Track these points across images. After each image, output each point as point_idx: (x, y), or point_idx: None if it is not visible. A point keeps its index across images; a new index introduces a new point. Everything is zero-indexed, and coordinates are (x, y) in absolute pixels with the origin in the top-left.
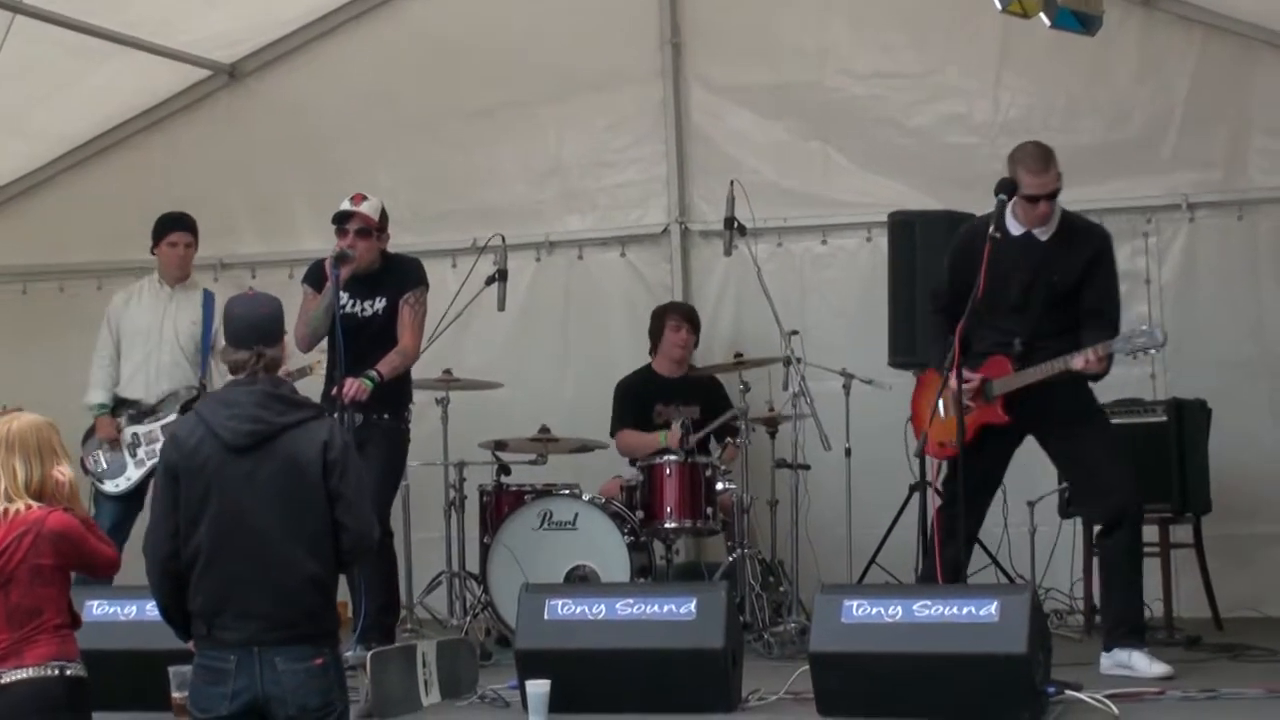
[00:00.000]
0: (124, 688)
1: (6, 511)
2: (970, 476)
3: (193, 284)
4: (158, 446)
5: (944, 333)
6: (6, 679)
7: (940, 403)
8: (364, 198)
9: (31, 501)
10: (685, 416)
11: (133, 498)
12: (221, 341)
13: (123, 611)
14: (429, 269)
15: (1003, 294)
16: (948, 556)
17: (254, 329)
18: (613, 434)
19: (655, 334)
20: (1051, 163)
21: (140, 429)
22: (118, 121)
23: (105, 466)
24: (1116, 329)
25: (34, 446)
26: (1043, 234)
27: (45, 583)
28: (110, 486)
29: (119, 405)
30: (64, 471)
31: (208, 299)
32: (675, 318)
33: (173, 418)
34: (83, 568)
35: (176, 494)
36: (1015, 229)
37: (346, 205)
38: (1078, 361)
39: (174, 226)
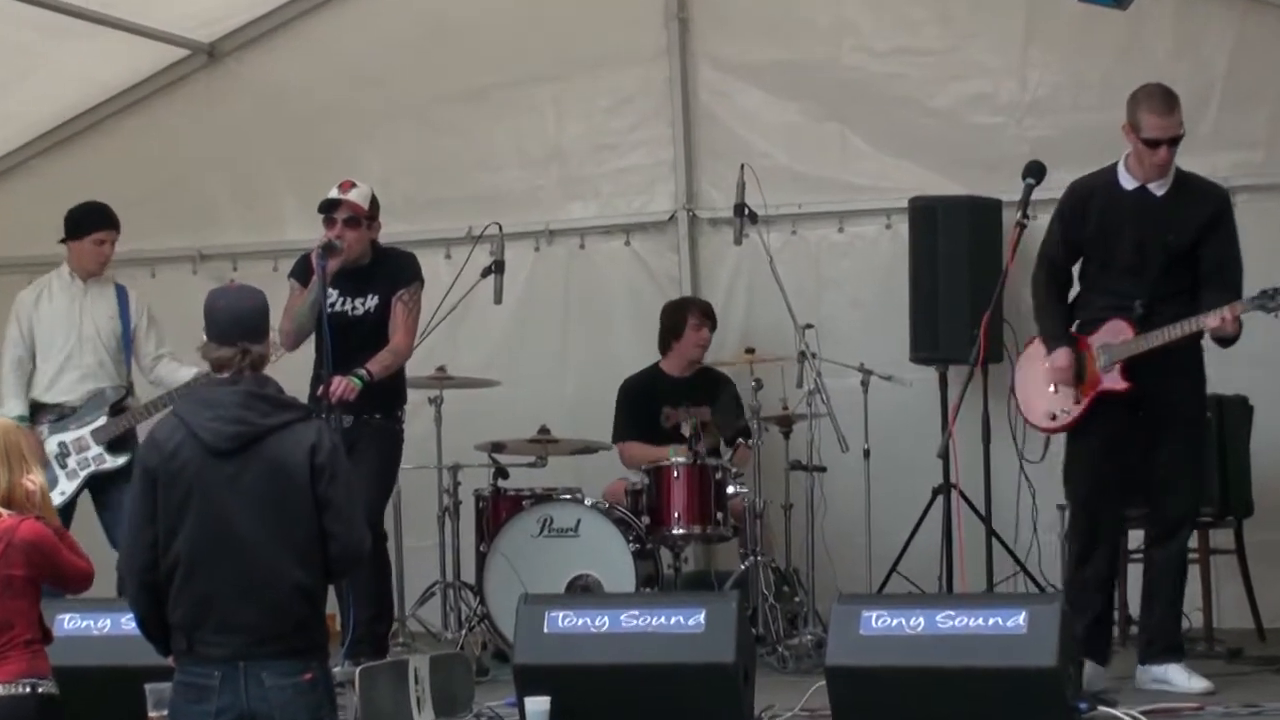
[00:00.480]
0: (98, 706)
1: None
2: (1089, 459)
3: (106, 278)
4: (90, 454)
5: (1053, 300)
6: None
7: (1048, 372)
8: (352, 185)
9: (2, 510)
10: (695, 418)
11: (68, 513)
12: (151, 342)
13: (96, 625)
14: (421, 260)
15: (1116, 254)
16: (1089, 574)
17: (239, 324)
18: (615, 440)
19: (672, 332)
20: (1176, 106)
21: (66, 436)
22: (90, 105)
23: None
24: (1239, 293)
25: (2, 451)
26: (1159, 188)
27: (16, 595)
28: None
29: (37, 411)
30: (34, 479)
31: (121, 293)
32: (697, 315)
33: (102, 420)
34: (55, 580)
35: (154, 501)
36: (1128, 183)
37: (334, 193)
38: (1212, 320)
39: (103, 223)
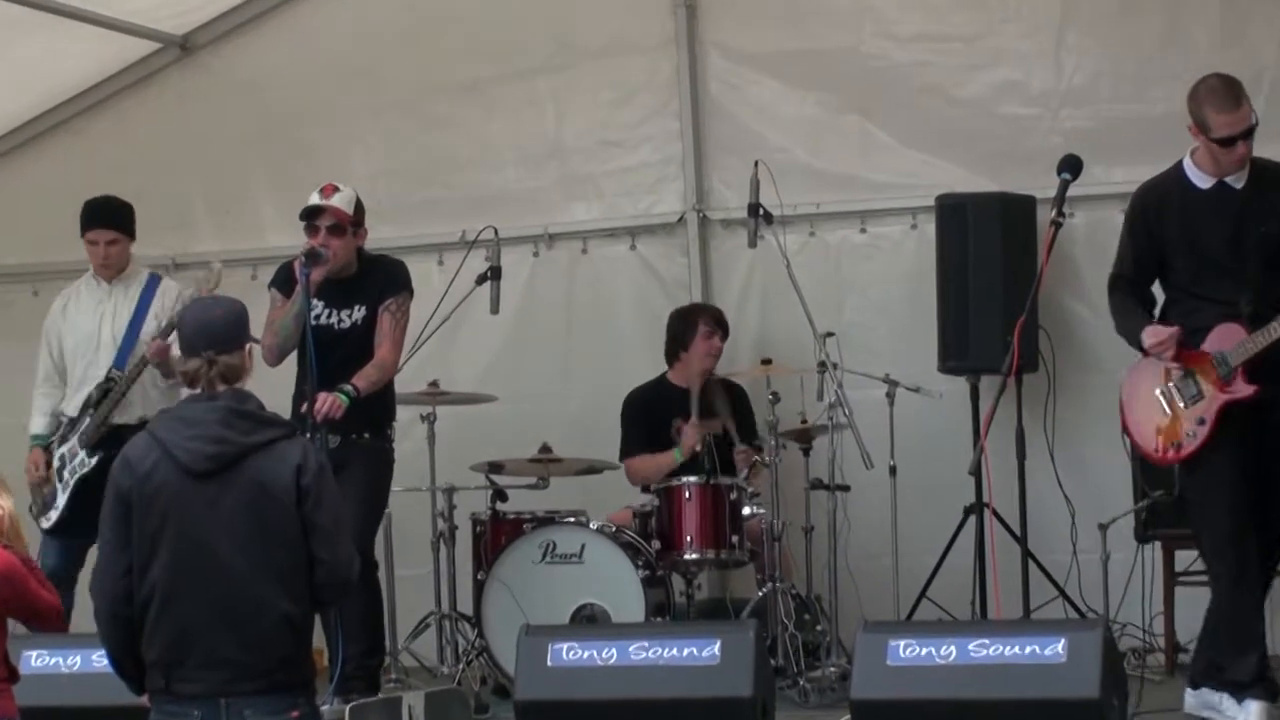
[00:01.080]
0: None
1: None
2: (1222, 487)
3: (132, 276)
4: (77, 461)
5: (1133, 308)
6: None
7: (1163, 394)
8: (335, 189)
9: None
10: (708, 434)
11: (68, 536)
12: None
13: (65, 662)
14: (411, 266)
15: (1206, 256)
16: (1248, 604)
17: (204, 333)
18: (622, 458)
19: (680, 340)
20: (1242, 96)
21: (65, 448)
22: (53, 104)
23: (41, 501)
24: None
25: None
26: (1237, 181)
27: None
28: (44, 522)
29: (64, 426)
30: (5, 502)
31: (150, 282)
32: (708, 322)
33: (86, 422)
34: (27, 615)
35: (129, 526)
36: (1202, 181)
37: (315, 199)
38: None
39: (93, 222)
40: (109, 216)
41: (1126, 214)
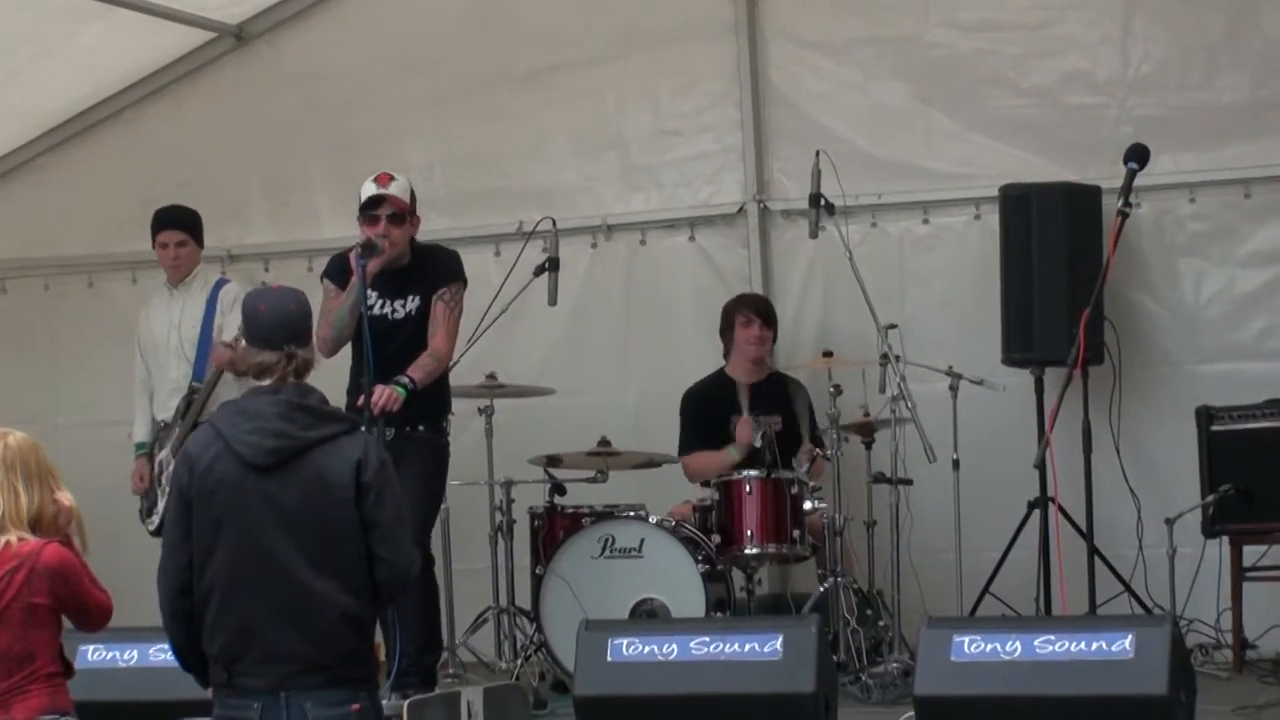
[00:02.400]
0: None
1: (8, 543)
2: None
3: (197, 280)
4: (170, 471)
5: None
6: None
7: None
8: (391, 177)
9: (26, 534)
10: (767, 427)
11: None
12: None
13: (123, 657)
14: (468, 258)
15: None
16: None
17: (285, 326)
18: (681, 454)
19: (726, 333)
20: None
21: (163, 456)
22: (107, 94)
23: (145, 504)
24: None
25: (34, 467)
26: None
27: (39, 625)
28: (148, 525)
29: (159, 430)
30: (66, 496)
31: (215, 289)
32: (745, 311)
33: (177, 432)
34: (76, 612)
35: (189, 520)
36: None
37: (373, 188)
38: None
39: (163, 224)
40: (177, 218)
41: None
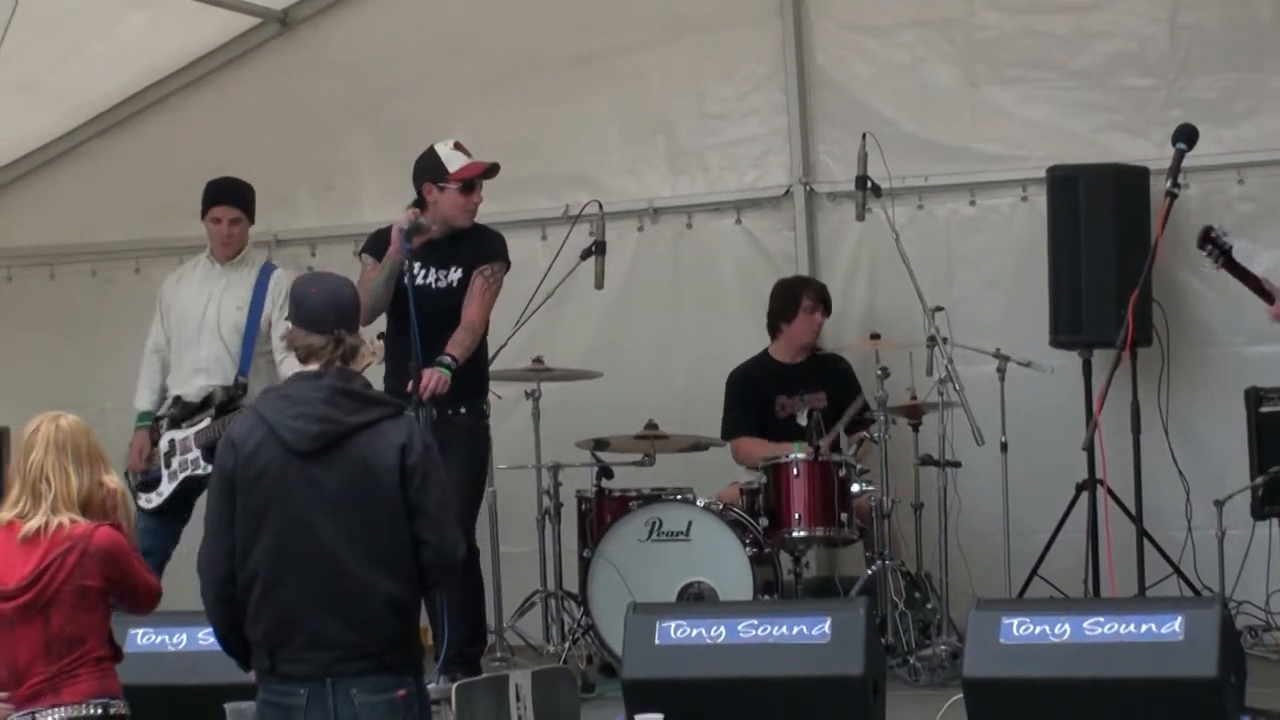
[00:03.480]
0: None
1: (48, 525)
2: None
3: (247, 259)
4: (190, 457)
5: None
6: (42, 719)
7: None
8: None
9: (77, 516)
10: (812, 406)
11: (167, 517)
12: (281, 325)
13: (171, 641)
14: (515, 241)
15: None
16: None
17: (335, 310)
18: (726, 437)
19: (783, 315)
20: None
21: (177, 435)
22: (152, 80)
23: (141, 478)
24: None
25: (84, 450)
26: None
27: (90, 608)
28: (143, 501)
29: (170, 404)
30: (113, 480)
31: (263, 274)
32: (812, 298)
33: (206, 423)
34: (125, 595)
35: (233, 505)
36: None
37: (464, 158)
38: None
39: (219, 198)
40: (235, 194)
41: None
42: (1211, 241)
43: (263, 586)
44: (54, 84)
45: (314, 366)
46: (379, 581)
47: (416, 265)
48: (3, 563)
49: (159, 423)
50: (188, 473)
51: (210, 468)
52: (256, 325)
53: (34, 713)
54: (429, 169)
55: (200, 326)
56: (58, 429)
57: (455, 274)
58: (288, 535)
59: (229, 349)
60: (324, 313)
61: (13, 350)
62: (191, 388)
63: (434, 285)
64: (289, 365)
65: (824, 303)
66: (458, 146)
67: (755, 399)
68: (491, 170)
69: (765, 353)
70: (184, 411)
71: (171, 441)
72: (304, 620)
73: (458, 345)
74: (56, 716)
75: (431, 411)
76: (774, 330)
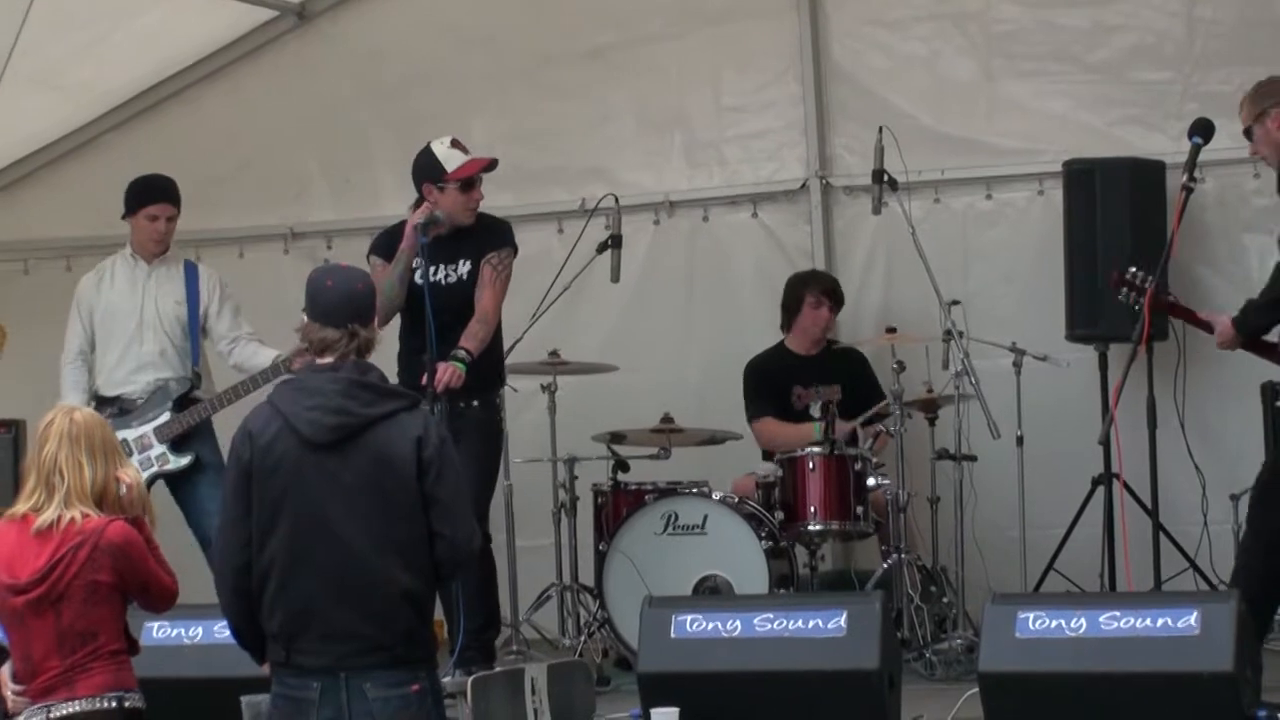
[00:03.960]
0: None
1: (60, 519)
2: None
3: (171, 258)
4: (153, 454)
5: None
6: (56, 713)
7: None
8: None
9: (91, 510)
10: (826, 398)
11: None
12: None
13: (187, 634)
14: (531, 234)
15: None
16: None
17: (350, 303)
18: (751, 420)
19: (791, 308)
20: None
21: (129, 434)
22: (169, 73)
23: None
24: None
25: (98, 443)
26: None
27: (101, 602)
28: None
29: (98, 405)
30: (129, 474)
31: (190, 273)
32: (815, 293)
33: (165, 417)
34: (137, 591)
35: (249, 497)
36: None
37: (462, 156)
38: None
39: (155, 196)
40: (171, 192)
41: None
42: (1131, 285)
43: (278, 578)
44: (71, 77)
45: (329, 359)
46: (394, 573)
47: (423, 261)
48: (15, 556)
49: None
50: (154, 469)
51: (181, 460)
52: (197, 318)
53: (48, 706)
54: (427, 169)
55: (141, 323)
56: (71, 422)
57: (464, 267)
58: (304, 527)
59: (174, 342)
60: (339, 306)
61: (29, 343)
62: (136, 385)
63: (443, 281)
64: (240, 354)
65: (830, 296)
66: (455, 144)
67: (773, 388)
68: (490, 165)
69: (781, 344)
70: (128, 411)
71: (124, 441)
72: (319, 612)
73: (472, 338)
74: (70, 710)
75: (446, 405)
76: (786, 323)
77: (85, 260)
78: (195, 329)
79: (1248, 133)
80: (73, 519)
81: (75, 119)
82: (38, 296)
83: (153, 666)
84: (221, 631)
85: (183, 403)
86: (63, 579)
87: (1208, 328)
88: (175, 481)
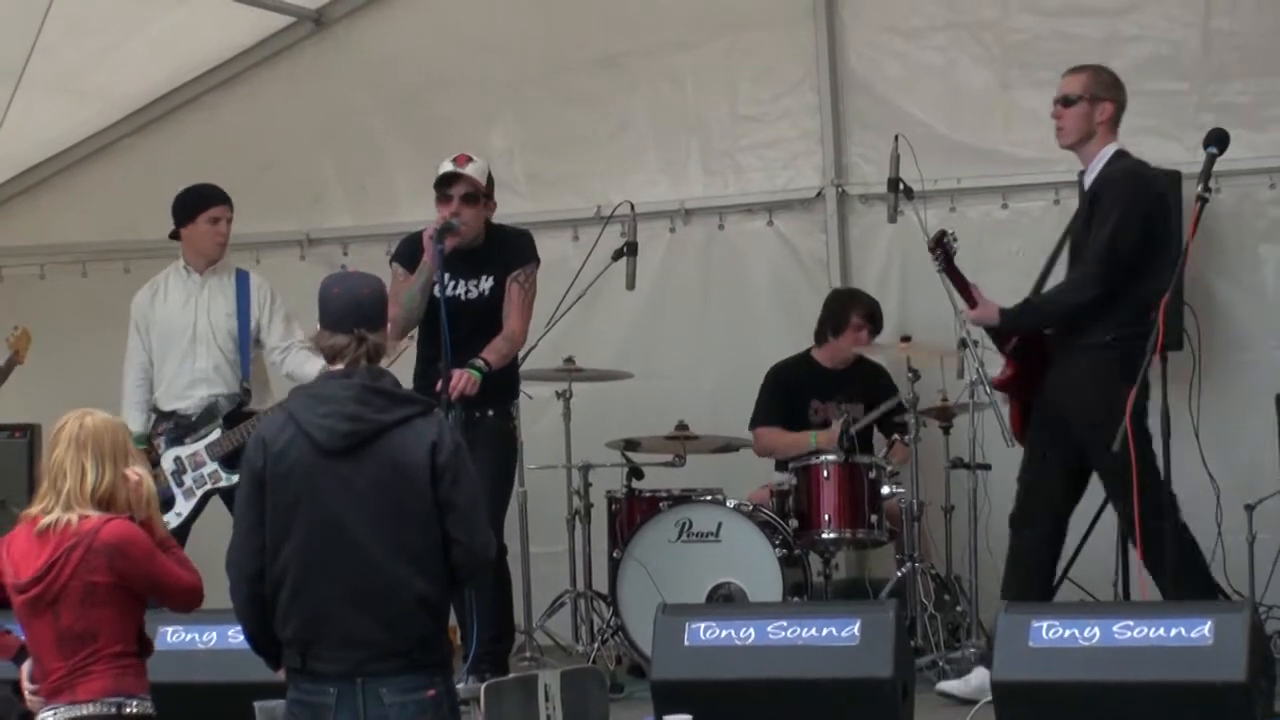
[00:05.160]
0: None
1: (57, 523)
2: None
3: (223, 267)
4: (206, 471)
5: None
6: (59, 717)
7: None
8: (469, 159)
9: (91, 511)
10: (848, 414)
11: (184, 534)
12: (278, 330)
13: (201, 639)
14: (547, 241)
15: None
16: None
17: (356, 310)
18: (752, 427)
19: (833, 324)
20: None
21: (183, 452)
22: (187, 78)
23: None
24: None
25: (107, 447)
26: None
27: (100, 604)
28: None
29: (157, 421)
30: (137, 471)
31: (241, 280)
32: (861, 316)
33: (216, 434)
34: (149, 589)
35: (264, 504)
36: None
37: (449, 167)
38: None
39: (213, 199)
40: (226, 195)
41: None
42: (942, 246)
43: (293, 585)
44: (88, 82)
45: (339, 366)
46: (409, 579)
47: (445, 275)
48: (21, 558)
49: (153, 442)
50: (207, 487)
51: (233, 477)
52: (248, 330)
53: (55, 709)
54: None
55: (194, 338)
56: (81, 426)
57: (487, 283)
58: (318, 533)
59: (227, 357)
60: (345, 313)
61: (45, 347)
62: (191, 400)
63: (464, 296)
64: (291, 363)
65: (873, 321)
66: (457, 158)
67: (790, 398)
68: (448, 180)
69: (808, 354)
70: (183, 427)
71: (178, 459)
72: (335, 618)
73: (494, 352)
74: (69, 715)
75: (460, 412)
76: (821, 337)
77: (101, 266)
78: (246, 342)
79: (1069, 100)
80: (69, 521)
81: (92, 124)
82: (53, 301)
83: (166, 672)
84: (235, 637)
85: (233, 419)
86: (57, 580)
87: (971, 301)
88: (229, 497)
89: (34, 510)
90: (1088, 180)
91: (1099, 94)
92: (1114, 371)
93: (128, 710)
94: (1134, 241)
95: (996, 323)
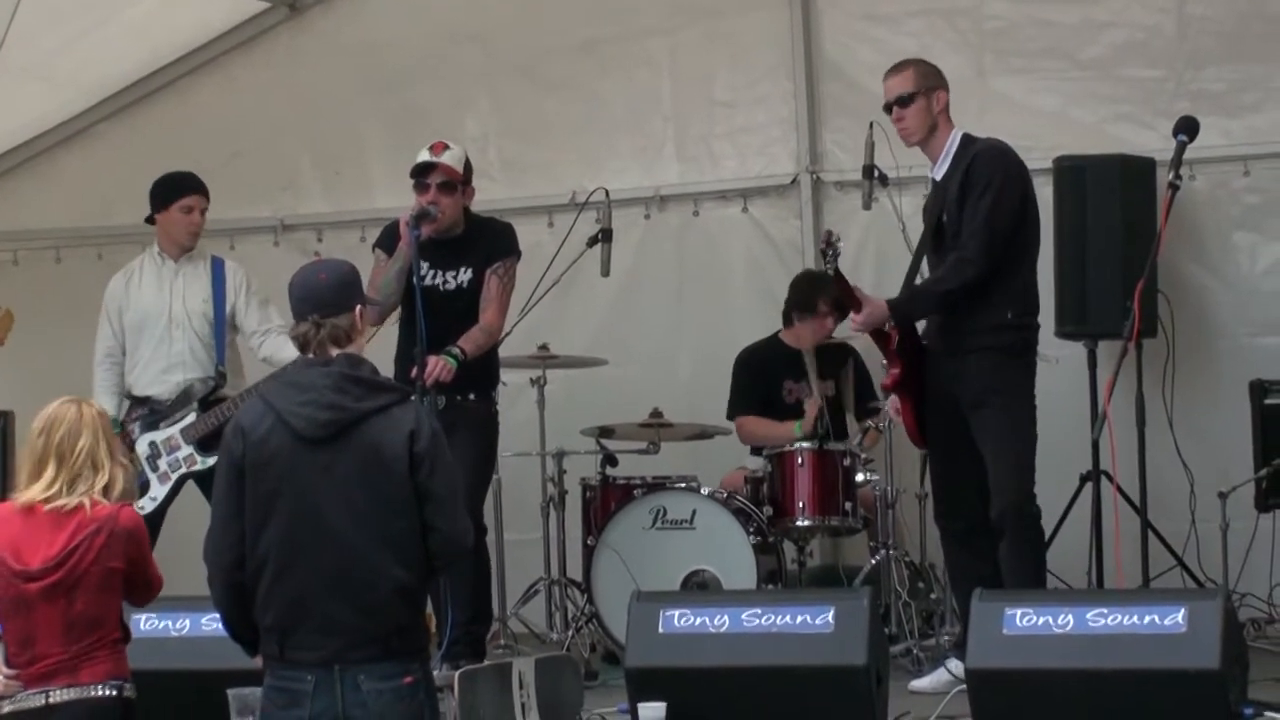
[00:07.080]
0: (177, 713)
1: (79, 506)
2: None
3: (198, 254)
4: (181, 455)
5: None
6: (57, 698)
7: None
8: (445, 146)
9: (101, 498)
10: (822, 405)
11: (161, 520)
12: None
13: (174, 626)
14: (522, 228)
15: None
16: None
17: (309, 297)
18: (731, 416)
19: (798, 307)
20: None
21: (157, 436)
22: (161, 63)
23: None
24: None
25: (110, 435)
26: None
27: (112, 589)
28: (134, 507)
29: (131, 407)
30: (127, 464)
31: (217, 267)
32: (827, 304)
33: (192, 418)
34: (143, 581)
35: (242, 493)
36: None
37: (425, 156)
38: None
39: (190, 188)
40: (202, 185)
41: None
42: (831, 247)
43: (273, 573)
44: (62, 67)
45: (311, 354)
46: (388, 567)
47: (424, 265)
48: (23, 544)
49: (127, 428)
50: (182, 470)
51: (209, 460)
52: (223, 315)
53: (47, 691)
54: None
55: (170, 322)
56: (82, 414)
57: (465, 274)
58: (298, 521)
59: (202, 341)
60: (300, 302)
61: (18, 333)
62: (166, 386)
63: (441, 287)
64: (268, 347)
65: (840, 309)
66: (434, 145)
67: (762, 381)
68: (424, 168)
69: (776, 336)
70: (158, 413)
71: (152, 443)
72: (314, 606)
73: (470, 341)
74: (71, 695)
75: (438, 399)
76: (788, 319)
77: (74, 252)
78: (222, 327)
79: (904, 99)
80: (81, 504)
81: (66, 110)
82: (26, 287)
83: (139, 658)
84: (209, 624)
85: (208, 403)
86: (80, 565)
87: (857, 306)
88: (204, 481)
89: (37, 496)
90: (940, 171)
91: (930, 84)
92: (1013, 350)
93: (125, 693)
94: (1012, 214)
95: (887, 318)
